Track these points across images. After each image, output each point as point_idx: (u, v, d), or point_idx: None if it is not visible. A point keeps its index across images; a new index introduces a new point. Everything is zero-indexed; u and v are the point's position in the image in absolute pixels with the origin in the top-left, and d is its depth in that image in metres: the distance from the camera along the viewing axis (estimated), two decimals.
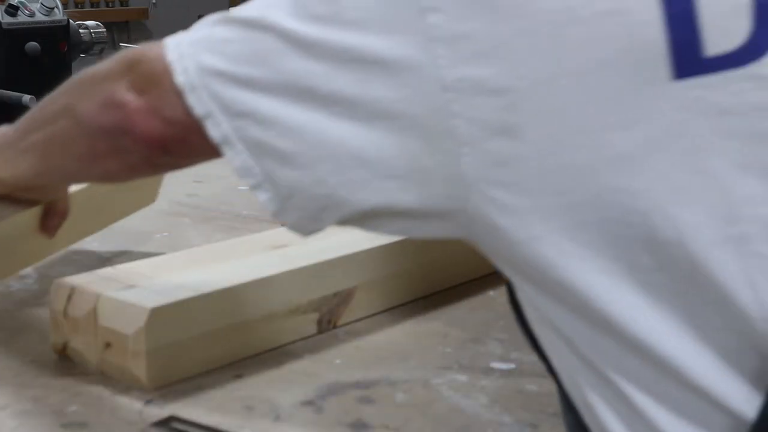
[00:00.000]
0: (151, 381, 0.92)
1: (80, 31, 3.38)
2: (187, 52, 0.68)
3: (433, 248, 1.19)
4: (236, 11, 0.68)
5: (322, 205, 0.66)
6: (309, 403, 0.92)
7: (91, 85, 0.77)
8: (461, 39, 0.60)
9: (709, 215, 0.58)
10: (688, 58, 0.58)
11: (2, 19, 3.02)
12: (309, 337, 1.06)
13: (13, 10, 3.04)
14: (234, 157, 0.66)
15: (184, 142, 0.70)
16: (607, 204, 0.59)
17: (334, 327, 1.09)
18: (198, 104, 0.67)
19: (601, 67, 0.58)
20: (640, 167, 0.59)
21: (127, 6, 4.20)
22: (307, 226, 0.68)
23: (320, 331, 1.07)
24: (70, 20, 3.29)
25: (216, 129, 0.66)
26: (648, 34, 0.58)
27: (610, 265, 0.60)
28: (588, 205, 0.59)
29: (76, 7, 4.00)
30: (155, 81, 0.70)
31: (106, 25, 3.59)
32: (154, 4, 4.27)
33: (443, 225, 0.65)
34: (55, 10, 3.21)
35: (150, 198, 1.36)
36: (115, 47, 4.02)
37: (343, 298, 1.09)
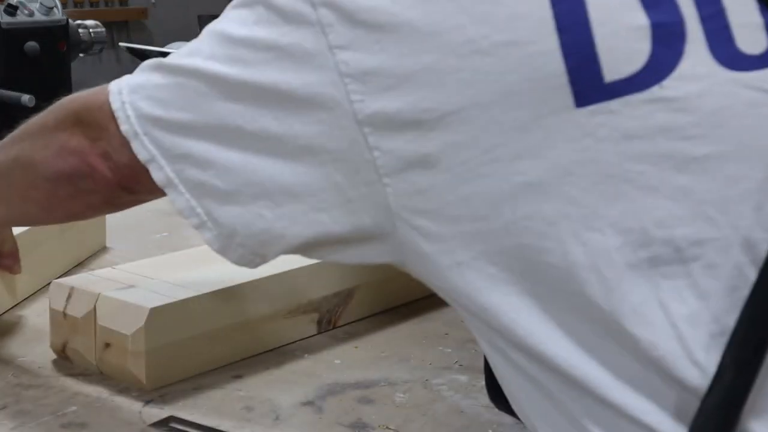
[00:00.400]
0: (151, 381, 0.92)
1: (79, 30, 3.38)
2: (128, 100, 0.70)
3: None
4: (168, 57, 0.71)
5: (262, 240, 0.68)
6: (309, 403, 0.92)
7: (42, 137, 0.79)
8: (370, 75, 0.61)
9: (622, 239, 0.58)
10: (589, 85, 0.59)
11: (1, 18, 3.02)
12: (309, 337, 1.06)
13: (12, 9, 3.04)
14: (177, 198, 0.70)
15: (139, 182, 0.73)
16: (521, 230, 0.60)
17: (334, 327, 1.08)
18: (142, 150, 0.69)
19: (505, 97, 0.59)
20: (550, 194, 0.59)
21: (127, 6, 4.19)
22: (252, 261, 0.71)
23: (320, 331, 1.07)
24: (69, 20, 3.29)
25: (159, 172, 0.69)
26: (547, 63, 0.59)
27: (530, 290, 0.61)
28: (504, 231, 0.60)
29: (76, 6, 3.99)
30: (103, 129, 0.72)
31: (105, 24, 3.59)
32: (153, 3, 4.26)
33: (378, 251, 0.67)
34: (54, 9, 3.21)
35: (100, 242, 1.36)
36: (115, 47, 4.02)
37: (343, 298, 1.09)
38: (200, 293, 0.96)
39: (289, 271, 1.03)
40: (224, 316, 0.98)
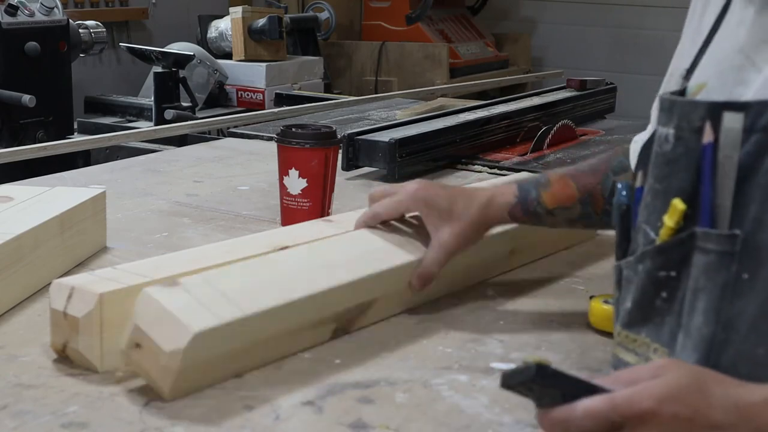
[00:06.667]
0: (173, 394, 0.90)
1: (80, 30, 3.39)
2: None
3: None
4: None
5: None
6: (309, 403, 0.92)
7: None
8: None
9: None
10: None
11: (2, 19, 3.02)
12: (321, 343, 1.05)
13: (12, 10, 3.05)
14: None
15: None
16: None
17: (346, 333, 1.08)
18: None
19: None
20: None
21: (127, 6, 4.18)
22: None
23: (333, 338, 1.06)
24: (70, 20, 3.29)
25: None
26: None
27: None
28: None
29: (76, 6, 3.99)
30: None
31: (105, 24, 3.60)
32: (154, 4, 4.26)
33: None
34: (55, 9, 3.22)
35: (100, 242, 1.36)
36: (115, 47, 4.02)
37: (363, 308, 1.08)
38: (245, 315, 0.93)
39: (326, 290, 1.02)
40: (257, 334, 0.96)
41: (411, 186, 1.13)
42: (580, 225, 1.16)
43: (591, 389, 0.72)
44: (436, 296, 1.19)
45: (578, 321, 1.14)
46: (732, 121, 0.77)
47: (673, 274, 0.81)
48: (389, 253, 1.13)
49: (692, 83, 0.85)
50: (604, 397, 0.71)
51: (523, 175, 1.31)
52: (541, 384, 0.72)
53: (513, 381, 0.72)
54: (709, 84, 0.83)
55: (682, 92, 0.86)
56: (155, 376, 0.90)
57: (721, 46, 0.84)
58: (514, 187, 1.13)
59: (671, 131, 0.82)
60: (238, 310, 0.93)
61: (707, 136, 0.78)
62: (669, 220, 0.80)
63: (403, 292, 1.13)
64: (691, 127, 0.80)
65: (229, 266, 1.02)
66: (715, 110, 0.78)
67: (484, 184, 1.27)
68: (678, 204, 0.80)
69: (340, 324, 1.06)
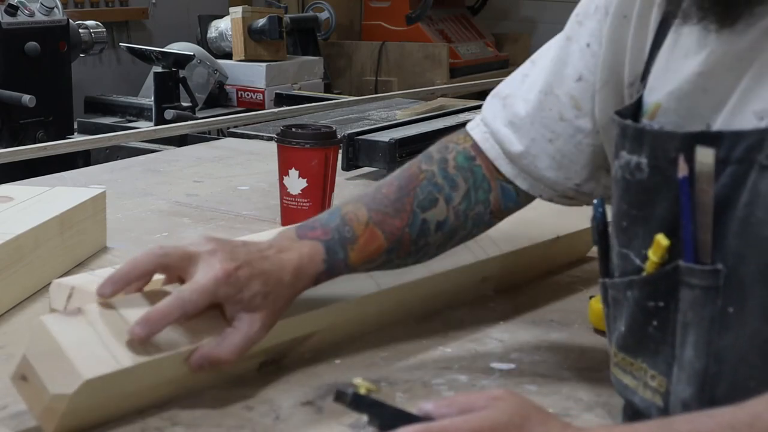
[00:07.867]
0: None
1: (80, 30, 3.39)
2: None
3: (388, 299, 1.09)
4: None
5: None
6: (309, 403, 0.92)
7: None
8: None
9: None
10: None
11: (2, 19, 3.02)
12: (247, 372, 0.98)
13: (12, 10, 3.05)
14: None
15: None
16: None
17: (277, 366, 1.00)
18: None
19: None
20: None
21: (127, 6, 4.18)
22: None
23: (260, 371, 0.98)
24: (70, 20, 3.30)
25: None
26: None
27: None
28: None
29: (76, 6, 3.99)
30: None
31: (105, 24, 3.60)
32: (154, 4, 4.26)
33: None
34: (55, 9, 3.22)
35: (100, 242, 1.35)
36: (115, 47, 4.02)
37: (299, 341, 1.00)
38: (151, 358, 0.84)
39: None
40: (167, 373, 0.88)
41: (212, 269, 0.88)
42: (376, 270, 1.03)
43: (410, 419, 0.74)
44: (386, 323, 1.10)
45: (578, 321, 1.14)
46: (705, 156, 0.75)
47: (661, 304, 0.79)
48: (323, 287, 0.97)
49: (648, 100, 0.84)
50: (421, 425, 0.72)
51: (323, 216, 1.01)
52: (358, 411, 0.75)
53: (339, 401, 0.75)
54: (665, 105, 0.82)
55: (637, 104, 0.85)
56: (39, 415, 0.83)
57: (676, 66, 0.82)
58: (320, 248, 0.95)
59: (644, 160, 0.80)
60: (144, 352, 0.84)
61: (682, 170, 0.77)
62: (653, 255, 0.79)
63: (344, 325, 1.04)
64: (667, 158, 0.78)
65: (147, 293, 0.91)
66: (687, 143, 0.77)
67: (265, 235, 1.05)
68: (662, 240, 0.78)
69: (268, 356, 0.97)
